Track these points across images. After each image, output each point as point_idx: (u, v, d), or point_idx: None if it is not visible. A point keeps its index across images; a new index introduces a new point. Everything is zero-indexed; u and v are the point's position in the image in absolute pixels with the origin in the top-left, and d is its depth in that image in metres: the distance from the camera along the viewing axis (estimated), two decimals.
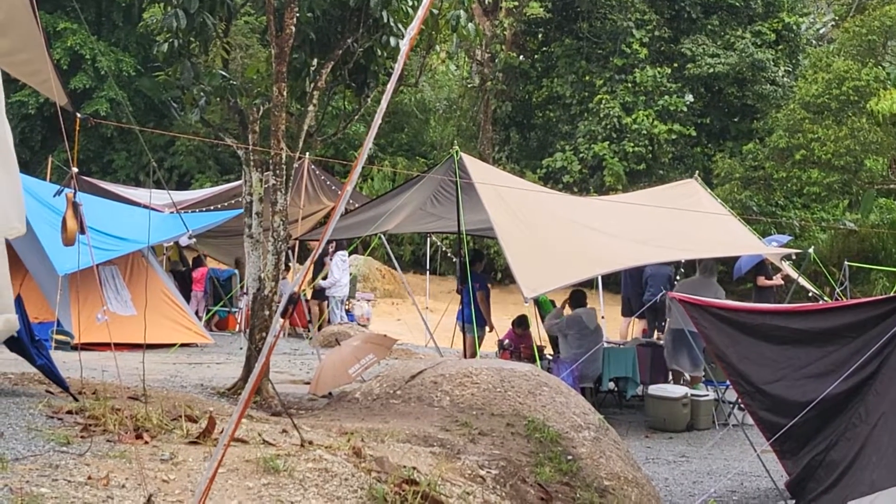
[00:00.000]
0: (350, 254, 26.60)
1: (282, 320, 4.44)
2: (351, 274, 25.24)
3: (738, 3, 39.68)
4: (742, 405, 11.52)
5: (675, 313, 13.04)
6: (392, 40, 13.50)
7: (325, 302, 23.49)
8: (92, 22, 42.97)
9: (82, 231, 9.51)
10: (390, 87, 5.01)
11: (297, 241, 20.36)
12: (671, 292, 12.61)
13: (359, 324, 23.49)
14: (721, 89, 38.87)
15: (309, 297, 23.05)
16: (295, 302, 4.36)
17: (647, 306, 16.76)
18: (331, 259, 22.75)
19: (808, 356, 9.90)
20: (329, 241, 20.54)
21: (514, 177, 19.86)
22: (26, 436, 6.74)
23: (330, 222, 4.85)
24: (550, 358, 16.36)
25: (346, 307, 24.43)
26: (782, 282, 19.35)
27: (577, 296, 16.30)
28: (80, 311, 17.02)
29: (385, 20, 13.30)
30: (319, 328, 22.14)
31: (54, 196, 14.20)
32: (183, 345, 18.88)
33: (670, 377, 16.53)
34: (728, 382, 12.17)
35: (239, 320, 22.90)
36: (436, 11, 14.08)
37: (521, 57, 41.14)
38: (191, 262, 24.82)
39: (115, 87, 39.24)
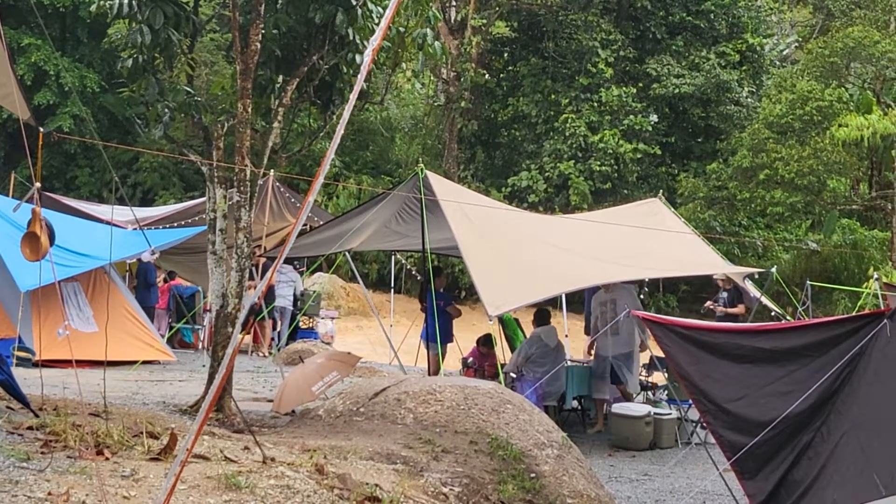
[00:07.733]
0: (314, 271, 26.47)
1: (240, 335, 4.43)
2: (314, 291, 25.15)
3: (702, 24, 40.01)
4: (704, 424, 11.54)
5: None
6: (358, 57, 13.51)
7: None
8: (56, 38, 42.77)
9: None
10: (352, 99, 5.03)
11: (262, 258, 20.27)
12: (635, 311, 12.64)
13: (323, 341, 23.39)
14: (686, 109, 39.14)
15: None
16: (257, 315, 4.37)
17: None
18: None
19: (769, 375, 9.92)
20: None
21: (480, 195, 19.85)
22: None
23: (289, 239, 4.85)
24: (514, 376, 16.35)
25: (308, 325, 24.30)
26: (724, 308, 19.42)
27: (541, 314, 16.31)
28: (42, 327, 16.86)
29: (351, 37, 13.33)
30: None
31: (13, 211, 14.19)
32: (145, 362, 18.73)
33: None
34: (690, 401, 12.19)
35: (202, 337, 22.72)
36: (402, 30, 14.13)
37: (487, 76, 41.23)
38: (162, 278, 24.54)
39: (78, 104, 39.04)
